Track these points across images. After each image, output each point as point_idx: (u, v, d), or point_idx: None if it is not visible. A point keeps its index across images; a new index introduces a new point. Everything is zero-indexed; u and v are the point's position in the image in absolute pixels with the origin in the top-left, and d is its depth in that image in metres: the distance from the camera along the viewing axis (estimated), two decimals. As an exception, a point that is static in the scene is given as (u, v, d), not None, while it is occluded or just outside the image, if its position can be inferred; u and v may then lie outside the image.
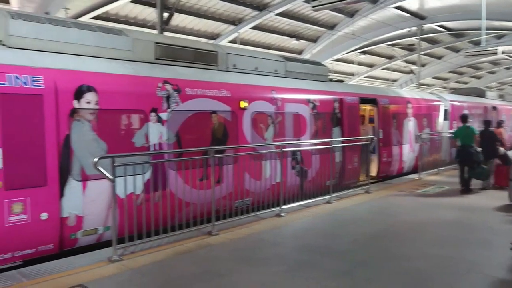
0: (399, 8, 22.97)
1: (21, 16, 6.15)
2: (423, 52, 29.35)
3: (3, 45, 5.90)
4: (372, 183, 10.73)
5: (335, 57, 29.69)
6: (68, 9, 16.47)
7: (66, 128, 5.89)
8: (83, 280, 4.69)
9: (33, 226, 5.52)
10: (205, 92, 7.76)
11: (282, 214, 7.65)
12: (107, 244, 6.02)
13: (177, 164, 6.98)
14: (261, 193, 7.75)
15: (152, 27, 19.51)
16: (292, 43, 26.37)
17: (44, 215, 5.62)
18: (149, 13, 19.44)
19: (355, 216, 7.73)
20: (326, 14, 23.83)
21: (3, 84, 5.31)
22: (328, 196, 8.90)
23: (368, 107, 13.10)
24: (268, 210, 7.63)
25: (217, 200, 6.79)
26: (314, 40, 27.26)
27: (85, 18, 17.58)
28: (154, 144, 6.93)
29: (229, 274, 4.87)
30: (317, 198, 8.77)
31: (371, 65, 37.28)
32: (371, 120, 13.24)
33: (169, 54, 7.73)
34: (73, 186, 5.94)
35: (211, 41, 22.03)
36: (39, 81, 5.61)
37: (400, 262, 5.26)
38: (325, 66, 11.77)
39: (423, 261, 5.25)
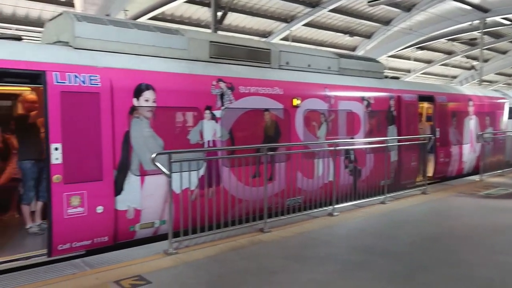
0: (460, 0, 21.86)
1: (86, 18, 6.48)
2: (486, 47, 27.76)
3: (70, 46, 6.25)
4: (429, 184, 10.31)
5: (390, 53, 28.85)
6: (127, 10, 17.18)
7: (126, 125, 6.15)
8: (141, 271, 4.88)
9: (89, 218, 5.78)
10: (258, 90, 7.80)
11: (335, 214, 7.54)
12: (157, 238, 6.25)
13: (230, 161, 7.08)
14: (313, 191, 7.68)
15: (206, 26, 19.93)
16: (346, 39, 25.92)
17: (99, 208, 5.88)
18: (203, 13, 19.86)
19: (412, 217, 7.47)
20: (381, 9, 23.18)
21: (63, 82, 5.61)
22: (383, 196, 8.66)
23: (425, 105, 12.58)
24: (320, 209, 7.55)
25: (269, 197, 6.81)
26: (368, 36, 26.62)
27: (143, 19, 18.25)
28: (208, 141, 7.07)
29: (282, 271, 4.88)
30: (371, 198, 8.56)
31: (428, 61, 35.83)
32: (429, 119, 12.72)
33: (223, 52, 7.85)
34: (132, 180, 6.19)
35: (263, 39, 22.11)
36: (96, 80, 5.86)
37: (464, 268, 4.99)
38: (380, 62, 11.44)
39: (491, 269, 4.94)
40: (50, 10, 17.19)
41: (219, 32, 14.74)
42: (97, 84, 5.86)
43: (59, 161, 5.53)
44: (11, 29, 17.65)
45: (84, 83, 5.75)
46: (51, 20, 7.07)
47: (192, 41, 7.42)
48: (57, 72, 5.56)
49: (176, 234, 5.63)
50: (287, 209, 7.09)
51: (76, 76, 5.70)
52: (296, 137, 8.36)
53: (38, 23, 18.09)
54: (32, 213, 6.51)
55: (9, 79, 5.37)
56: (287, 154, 7.67)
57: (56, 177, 5.49)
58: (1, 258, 5.36)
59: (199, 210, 5.87)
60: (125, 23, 6.93)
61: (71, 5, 16.25)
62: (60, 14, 6.68)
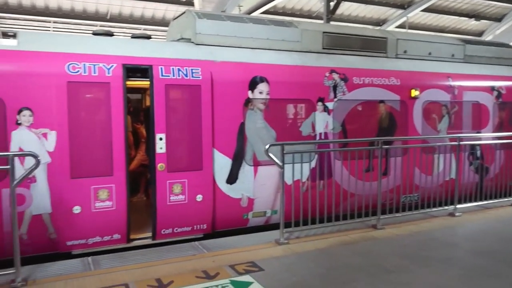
0: None
1: (206, 15, 6.84)
2: None
3: (191, 42, 6.66)
4: None
5: (525, 37, 25.47)
6: (241, 6, 17.77)
7: (241, 117, 6.37)
8: (254, 258, 5.04)
9: (189, 206, 6.07)
10: (372, 80, 7.49)
11: (457, 214, 6.94)
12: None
13: (342, 154, 6.93)
14: (432, 189, 7.16)
15: (318, 17, 19.73)
16: (471, 23, 23.55)
17: (199, 197, 6.13)
18: (314, 4, 19.66)
19: (551, 223, 6.55)
20: (515, -12, 20.59)
21: (167, 76, 5.92)
22: (515, 198, 7.73)
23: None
24: (440, 208, 7.01)
25: (383, 193, 6.52)
26: (498, 19, 23.85)
27: (255, 14, 18.72)
28: (320, 133, 7.01)
29: (397, 271, 4.64)
30: (501, 199, 7.69)
31: None
32: None
33: (337, 43, 7.68)
34: (246, 170, 6.42)
35: (377, 28, 21.17)
36: (197, 73, 6.05)
37: None
38: (513, 48, 10.18)
39: None
40: (172, 10, 18.56)
41: (331, 23, 14.47)
42: (198, 77, 6.08)
43: (163, 150, 5.87)
44: (140, 29, 19.47)
45: (186, 76, 6.00)
46: (175, 19, 7.62)
47: (305, 32, 7.39)
48: (162, 66, 5.92)
49: (287, 225, 5.69)
50: (402, 206, 6.72)
51: (179, 70, 5.99)
52: (413, 130, 7.86)
53: (162, 23, 19.68)
54: None
55: (129, 74, 5.79)
56: (404, 148, 7.25)
57: (160, 166, 5.85)
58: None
59: (310, 202, 5.86)
60: (241, 18, 7.16)
61: (191, 4, 17.33)
62: (183, 12, 7.15)
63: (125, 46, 6.01)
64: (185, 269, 4.68)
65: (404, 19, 21.37)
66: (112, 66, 5.59)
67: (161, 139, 5.82)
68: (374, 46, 8.05)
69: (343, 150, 6.88)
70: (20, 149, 5.08)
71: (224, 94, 6.24)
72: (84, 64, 5.45)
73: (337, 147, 7.08)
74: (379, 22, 22.17)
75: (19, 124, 5.12)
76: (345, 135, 7.23)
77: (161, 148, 5.83)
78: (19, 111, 5.10)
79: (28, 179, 5.01)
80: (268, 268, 4.70)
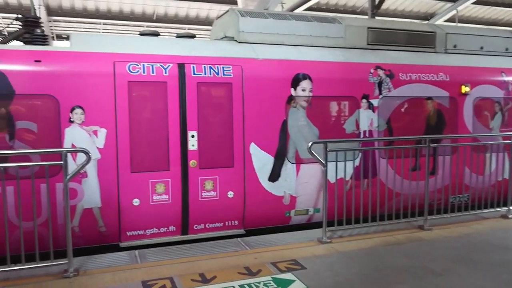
0: None
1: (248, 13, 6.88)
2: None
3: (235, 40, 6.72)
4: None
5: None
6: (284, 3, 17.72)
7: (284, 114, 6.36)
8: (296, 256, 5.02)
9: (220, 202, 6.13)
10: (419, 76, 7.25)
11: (510, 216, 6.59)
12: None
13: (387, 152, 6.76)
14: (483, 189, 6.83)
15: (362, 13, 19.33)
16: (527, 15, 22.26)
17: (230, 194, 6.18)
18: (359, -1, 19.30)
19: None
20: None
21: (199, 74, 5.99)
22: None
23: None
24: (492, 210, 6.68)
25: (430, 193, 6.30)
26: (557, 9, 22.39)
27: (298, 11, 18.61)
28: (364, 131, 6.87)
29: (446, 274, 4.46)
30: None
31: None
32: None
33: (382, 38, 7.49)
34: (288, 167, 6.40)
35: (425, 22, 20.46)
36: (229, 71, 6.10)
37: None
38: None
39: None
40: (216, 9, 18.82)
41: (376, 18, 14.13)
42: (230, 75, 6.12)
43: (195, 147, 5.98)
44: (184, 29, 19.88)
45: (217, 74, 6.07)
46: (218, 18, 7.71)
47: (349, 28, 7.26)
48: (193, 65, 6.00)
49: (329, 224, 5.62)
50: (451, 206, 6.46)
51: (211, 68, 6.06)
52: (463, 128, 7.54)
53: (206, 22, 19.99)
54: None
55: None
56: (453, 146, 6.97)
57: (192, 162, 5.96)
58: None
59: (353, 201, 5.76)
60: (283, 15, 7.14)
61: (234, 2, 17.48)
62: (227, 11, 7.22)
63: (176, 46, 6.18)
64: (227, 265, 4.74)
65: (453, 12, 20.51)
66: (168, 66, 5.79)
67: (193, 136, 5.93)
68: (422, 40, 7.78)
69: (388, 148, 6.72)
70: (73, 146, 5.33)
71: (266, 92, 6.25)
72: (143, 65, 5.68)
73: (382, 145, 6.91)
74: (427, 16, 21.42)
75: (72, 121, 5.37)
76: (391, 133, 7.05)
77: (193, 145, 5.95)
78: (72, 109, 5.36)
79: (80, 174, 5.26)
80: (310, 267, 4.67)
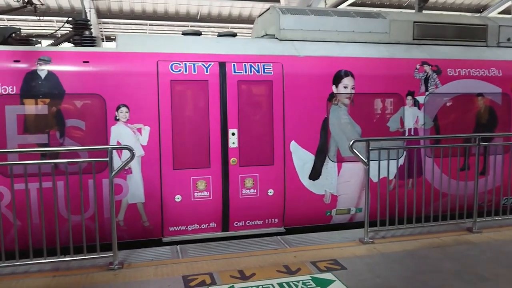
0: None
1: (289, 10, 6.83)
2: None
3: (275, 38, 6.70)
4: None
5: None
6: (327, 0, 17.48)
7: (325, 112, 6.27)
8: (336, 255, 4.94)
9: (260, 200, 6.12)
10: (469, 72, 6.92)
11: None
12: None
13: (434, 151, 6.50)
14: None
15: (409, 7, 18.72)
16: None
17: (270, 191, 6.15)
18: (406, -7, 18.70)
19: None
20: None
21: (240, 72, 6.00)
22: None
23: None
24: (549, 213, 6.27)
25: (480, 194, 6.01)
26: None
27: (342, 7, 18.30)
28: (409, 129, 6.64)
29: (495, 279, 4.24)
30: None
31: None
32: None
33: (429, 32, 7.21)
34: (329, 166, 6.31)
35: (477, 15, 19.51)
36: (270, 69, 6.06)
37: None
38: None
39: None
40: (258, 7, 18.86)
41: (424, 12, 13.62)
42: (270, 73, 6.08)
43: (235, 145, 5.99)
44: (227, 28, 20.08)
45: (258, 72, 6.05)
46: (259, 16, 7.71)
47: (393, 23, 7.05)
48: (234, 63, 6.01)
49: (372, 224, 5.49)
50: (503, 209, 6.12)
51: (251, 66, 6.04)
52: (518, 126, 7.12)
53: (248, 20, 20.08)
54: None
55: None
56: (506, 145, 6.60)
57: (232, 160, 5.98)
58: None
59: (397, 201, 5.59)
60: (325, 11, 7.03)
61: (277, 0, 17.46)
62: (268, 9, 7.21)
63: (217, 45, 6.25)
64: (266, 263, 4.74)
65: (508, 3, 19.42)
66: (210, 64, 5.87)
67: (233, 134, 5.97)
68: (472, 34, 7.41)
69: (435, 147, 6.46)
70: (118, 143, 5.53)
71: (307, 89, 6.19)
72: (185, 64, 5.79)
73: (428, 143, 6.66)
74: (479, 9, 20.43)
75: (117, 120, 5.56)
76: (438, 131, 6.77)
77: (233, 143, 5.98)
78: (117, 108, 5.55)
79: (125, 171, 5.45)
80: (351, 267, 4.58)
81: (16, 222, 4.50)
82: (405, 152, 6.54)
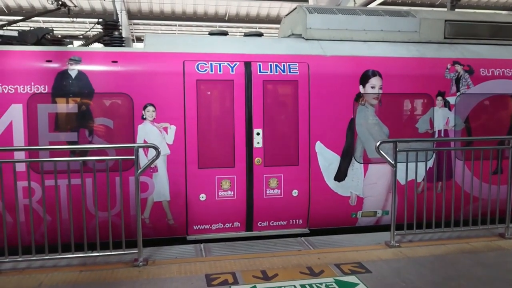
0: None
1: (316, 10, 6.76)
2: None
3: (302, 38, 6.64)
4: None
5: None
6: (356, -1, 17.24)
7: (351, 112, 6.17)
8: (361, 258, 4.86)
9: (285, 200, 6.06)
10: (504, 72, 6.67)
11: None
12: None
13: (465, 153, 6.30)
14: None
15: (441, 5, 18.27)
16: None
17: (295, 192, 6.09)
18: (437, -9, 18.24)
19: None
20: None
21: (265, 72, 5.96)
22: None
23: None
24: None
25: (514, 198, 5.77)
26: None
27: (372, 6, 18.01)
28: (439, 131, 6.46)
29: (528, 288, 4.07)
30: None
31: None
32: None
33: (462, 31, 6.99)
34: (355, 167, 6.21)
35: (513, 13, 18.82)
36: (295, 68, 6.01)
37: None
38: None
39: None
40: (286, 7, 18.81)
41: (456, 10, 13.23)
42: (296, 73, 6.02)
43: (260, 145, 5.96)
44: (255, 27, 20.11)
45: (283, 72, 6.00)
46: (286, 15, 7.67)
47: (424, 21, 6.87)
48: (259, 63, 5.98)
49: (398, 227, 5.37)
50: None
51: (277, 66, 6.00)
52: (556, 128, 6.82)
53: (276, 20, 20.05)
54: None
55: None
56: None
57: (257, 160, 5.95)
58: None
59: (425, 204, 5.44)
60: (353, 10, 6.93)
61: (305, 0, 17.37)
62: (295, 8, 7.17)
63: (243, 45, 6.27)
64: (290, 264, 4.71)
65: (548, 1, 18.68)
66: (235, 64, 5.89)
67: (258, 134, 5.95)
68: (507, 33, 7.14)
69: (466, 149, 6.26)
70: (145, 142, 5.61)
71: (333, 89, 6.11)
72: (211, 64, 5.83)
73: (459, 145, 6.46)
74: (516, 7, 19.71)
75: (144, 118, 5.64)
76: (469, 133, 6.56)
77: (258, 143, 5.96)
78: (144, 107, 5.63)
79: (151, 169, 5.53)
80: (376, 271, 4.49)
81: (46, 217, 4.63)
82: (434, 154, 6.36)
